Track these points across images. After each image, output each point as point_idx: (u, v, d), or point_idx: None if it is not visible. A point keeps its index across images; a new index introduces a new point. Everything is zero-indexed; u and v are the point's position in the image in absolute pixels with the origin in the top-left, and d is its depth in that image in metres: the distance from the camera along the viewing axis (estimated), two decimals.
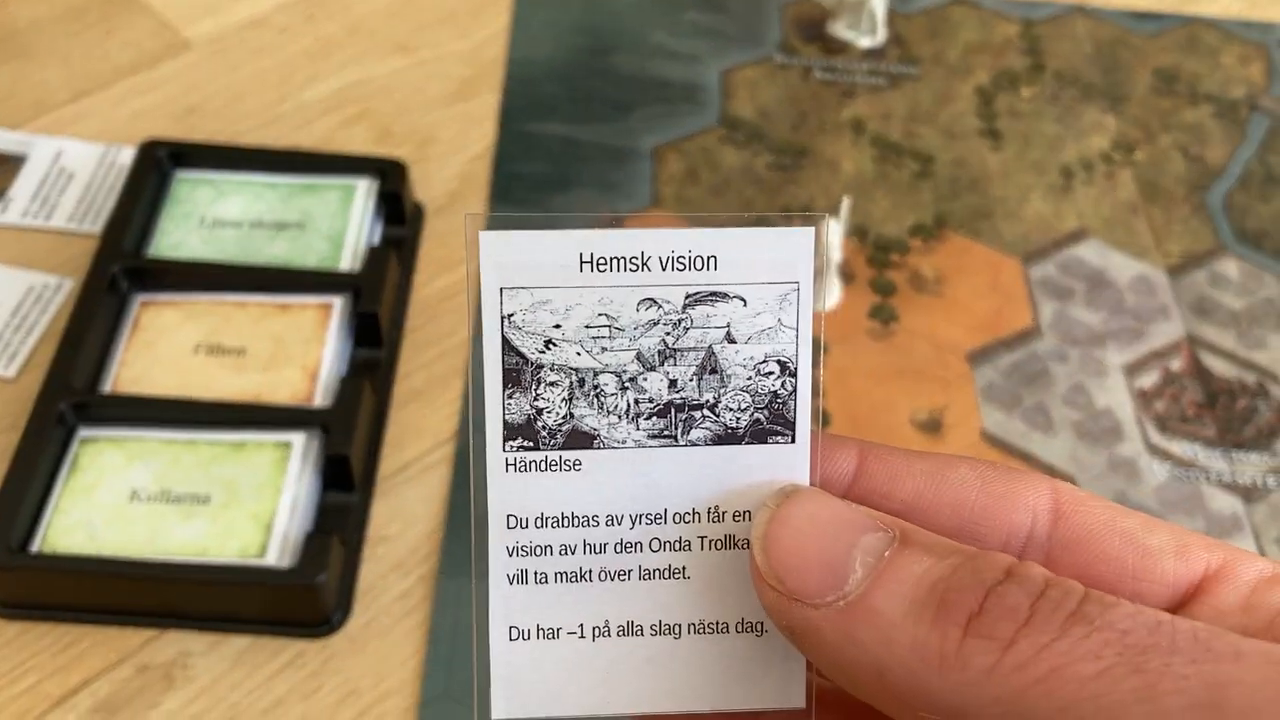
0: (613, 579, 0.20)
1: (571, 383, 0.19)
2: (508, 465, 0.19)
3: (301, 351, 0.47)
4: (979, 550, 0.18)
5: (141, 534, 0.42)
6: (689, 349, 0.19)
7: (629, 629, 0.20)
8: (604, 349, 0.19)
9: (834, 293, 0.54)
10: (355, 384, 0.46)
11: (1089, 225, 0.59)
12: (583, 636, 0.20)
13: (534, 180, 0.58)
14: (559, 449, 0.20)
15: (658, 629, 0.20)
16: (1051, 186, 0.61)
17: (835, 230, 0.51)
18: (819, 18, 0.68)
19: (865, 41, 0.67)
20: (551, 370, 0.19)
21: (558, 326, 0.19)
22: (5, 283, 0.51)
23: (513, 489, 0.20)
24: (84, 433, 0.45)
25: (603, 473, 0.20)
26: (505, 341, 0.19)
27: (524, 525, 0.20)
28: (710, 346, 0.19)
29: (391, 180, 0.52)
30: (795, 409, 0.20)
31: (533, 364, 0.19)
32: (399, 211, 0.53)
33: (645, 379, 0.19)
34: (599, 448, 0.20)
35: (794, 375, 0.20)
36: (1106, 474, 0.50)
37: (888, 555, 0.18)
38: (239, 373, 0.47)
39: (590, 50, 0.65)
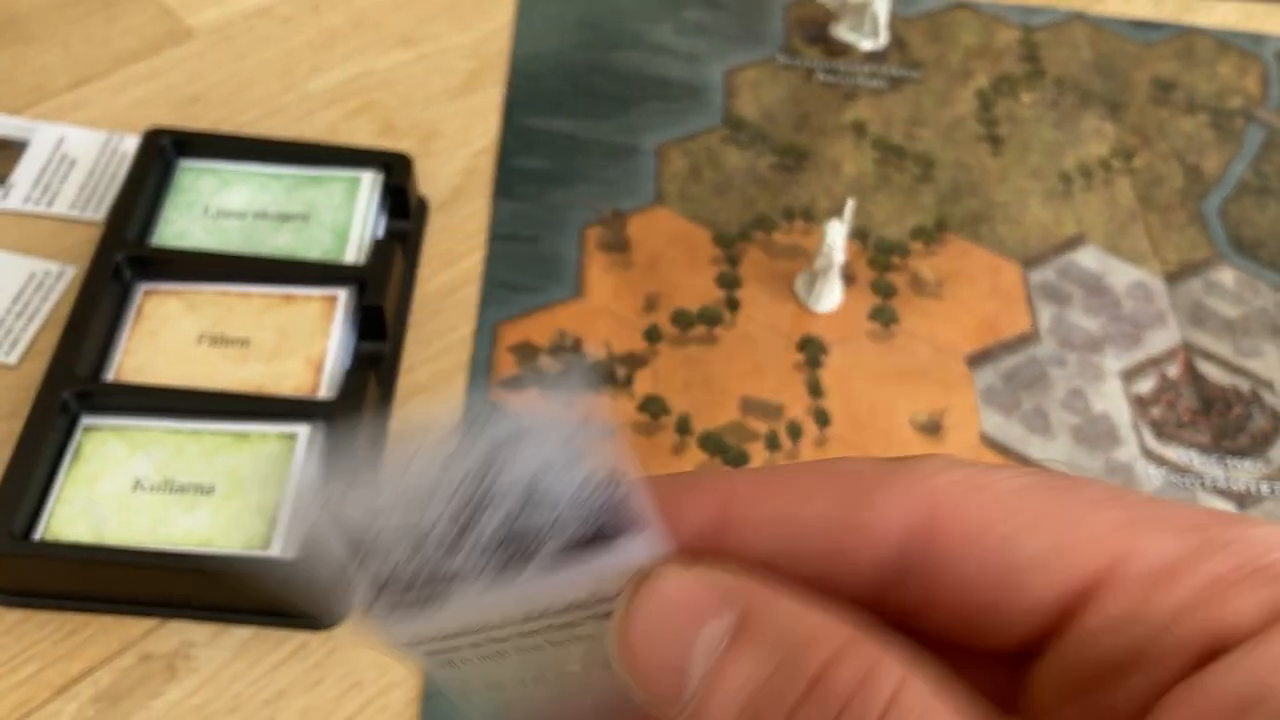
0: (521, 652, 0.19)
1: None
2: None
3: (306, 343, 0.47)
4: (809, 634, 0.16)
5: (144, 524, 0.42)
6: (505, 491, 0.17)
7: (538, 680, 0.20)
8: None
9: (835, 294, 0.55)
10: (360, 377, 0.46)
11: (1088, 231, 0.60)
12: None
13: (537, 176, 0.58)
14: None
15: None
16: (1051, 192, 0.61)
17: (840, 231, 0.52)
18: (822, 19, 0.68)
19: (867, 44, 0.67)
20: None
21: None
22: (7, 269, 0.51)
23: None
24: (87, 421, 0.45)
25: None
26: None
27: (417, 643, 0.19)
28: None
29: (397, 173, 0.52)
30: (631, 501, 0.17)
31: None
32: (404, 205, 0.53)
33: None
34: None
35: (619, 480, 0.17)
36: (1104, 478, 0.50)
37: (721, 651, 0.16)
38: (243, 363, 0.47)
39: (594, 46, 0.65)
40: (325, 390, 0.46)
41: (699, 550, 0.17)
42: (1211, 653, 0.15)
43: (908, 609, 0.17)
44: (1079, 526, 0.16)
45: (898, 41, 0.68)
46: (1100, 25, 0.71)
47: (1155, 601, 0.16)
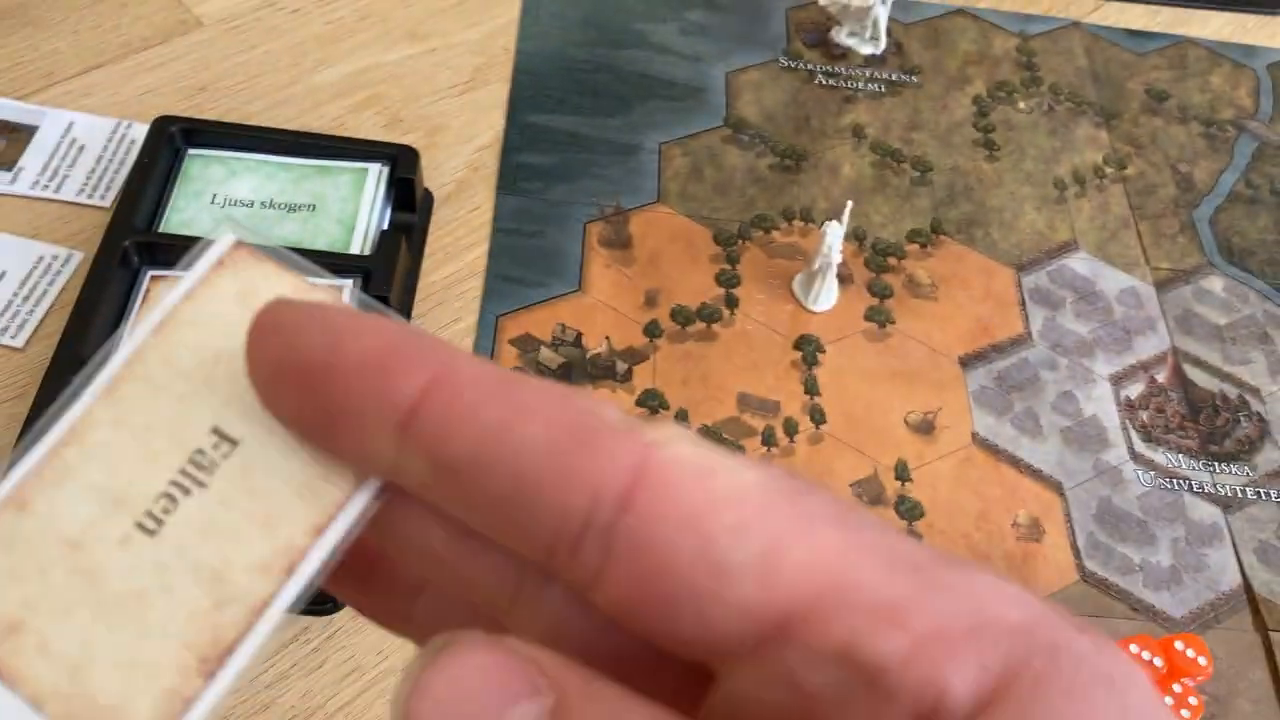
0: None
1: None
2: None
3: None
4: None
5: None
6: None
7: None
8: None
9: (832, 294, 0.56)
10: None
11: (1080, 237, 0.61)
12: None
13: (540, 171, 0.59)
14: None
15: None
16: (1045, 198, 0.62)
17: (838, 233, 0.53)
18: (822, 23, 0.69)
19: (867, 49, 0.68)
20: None
21: None
22: (15, 253, 0.51)
23: None
24: None
25: None
26: None
27: None
28: None
29: (404, 166, 0.53)
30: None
31: None
32: (410, 198, 0.53)
33: None
34: None
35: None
36: (1093, 480, 0.51)
37: None
38: None
39: (597, 45, 0.66)
40: None
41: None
42: (924, 716, 0.14)
43: (579, 579, 0.15)
44: (797, 541, 0.15)
45: (896, 47, 0.69)
46: (1096, 34, 0.72)
47: (870, 644, 0.14)
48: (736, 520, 0.15)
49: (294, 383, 0.16)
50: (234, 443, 0.17)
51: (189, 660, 0.16)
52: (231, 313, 0.17)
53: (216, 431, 0.17)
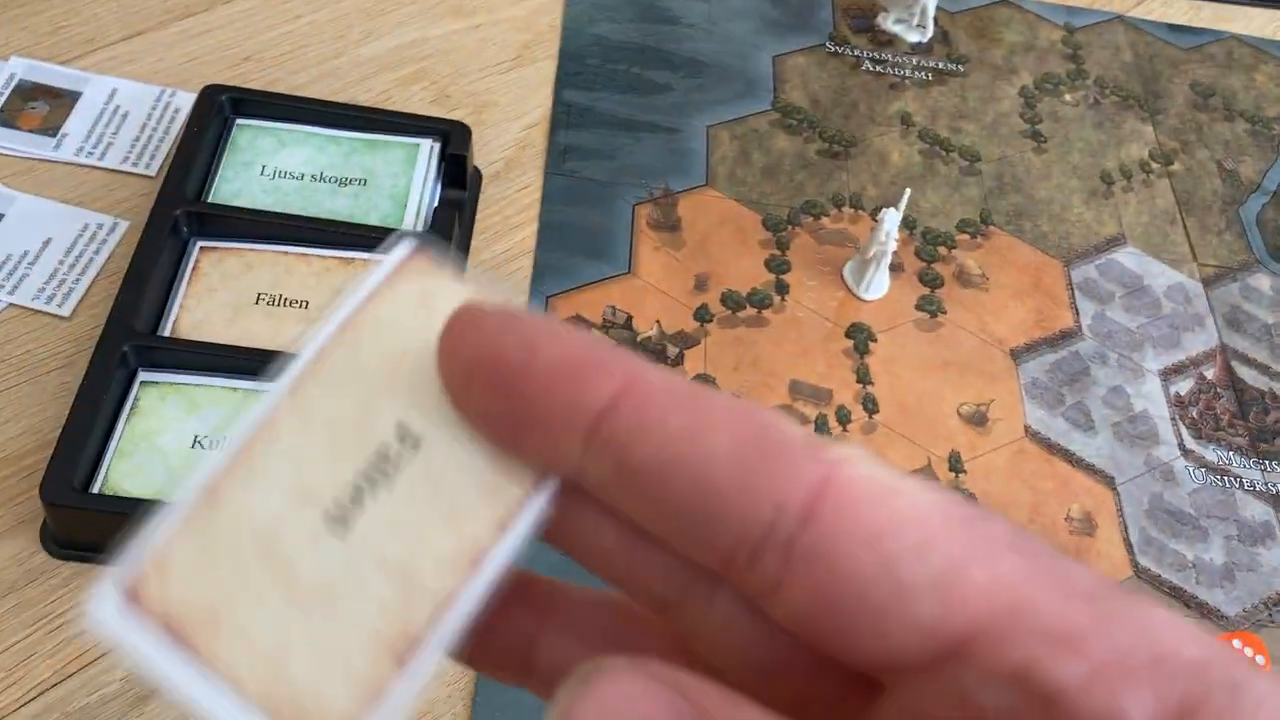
0: None
1: None
2: None
3: None
4: None
5: None
6: None
7: None
8: None
9: (884, 283, 0.55)
10: None
11: (1128, 231, 0.60)
12: None
13: (587, 152, 0.58)
14: None
15: None
16: (1093, 191, 0.62)
17: (895, 220, 0.52)
18: (869, 10, 0.68)
19: (913, 36, 0.67)
20: None
21: None
22: (60, 220, 0.50)
23: None
24: (145, 376, 0.44)
25: None
26: None
27: None
28: None
29: (457, 142, 0.52)
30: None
31: None
32: (461, 175, 0.53)
33: None
34: None
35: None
36: (1144, 476, 0.51)
37: None
38: (302, 324, 0.47)
39: (643, 25, 0.65)
40: None
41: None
42: None
43: (755, 588, 0.16)
44: (976, 564, 0.15)
45: (943, 35, 0.68)
46: (1140, 29, 0.71)
47: (1049, 669, 0.14)
48: (919, 540, 0.15)
49: (487, 383, 0.16)
50: (418, 440, 0.17)
51: (380, 651, 0.16)
52: (413, 316, 0.18)
53: (400, 428, 0.17)
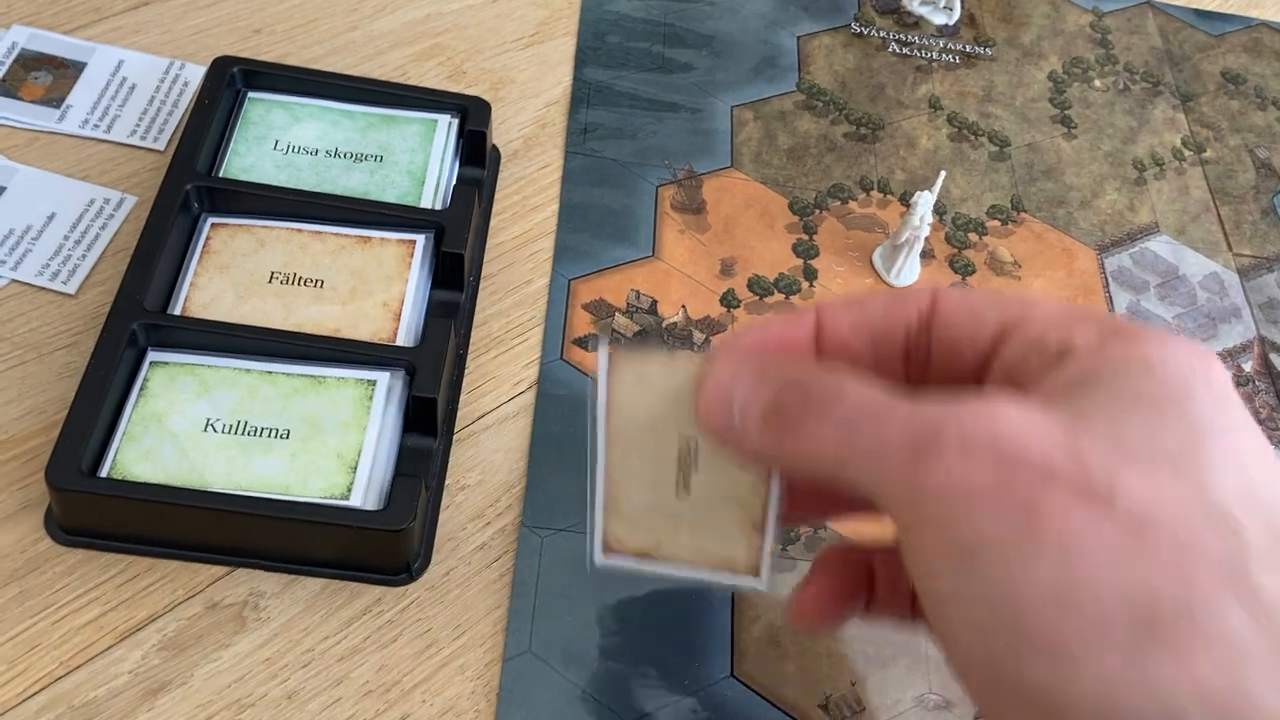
0: None
1: None
2: None
3: (383, 288, 0.46)
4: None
5: (218, 466, 0.40)
6: None
7: None
8: None
9: (915, 269, 0.53)
10: (443, 325, 0.44)
11: (1161, 220, 0.59)
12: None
13: (608, 131, 0.56)
14: None
15: None
16: (1124, 179, 0.60)
17: (929, 203, 0.50)
18: None
19: (940, 18, 0.65)
20: None
21: None
22: (65, 194, 0.48)
23: None
24: (154, 356, 0.43)
25: None
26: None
27: None
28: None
29: (475, 118, 0.50)
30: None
31: None
32: (480, 152, 0.51)
33: None
34: None
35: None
36: None
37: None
38: (317, 304, 0.45)
39: (665, 2, 0.63)
40: (404, 337, 0.44)
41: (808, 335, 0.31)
42: (1063, 352, 0.27)
43: (920, 357, 0.30)
44: (1007, 305, 0.29)
45: (969, 18, 0.67)
46: (1169, 14, 0.70)
47: (1041, 336, 0.28)
48: (983, 306, 0.30)
49: (731, 438, 0.29)
50: (693, 445, 0.31)
51: (747, 528, 0.31)
52: (640, 391, 0.30)
53: (682, 440, 0.31)
